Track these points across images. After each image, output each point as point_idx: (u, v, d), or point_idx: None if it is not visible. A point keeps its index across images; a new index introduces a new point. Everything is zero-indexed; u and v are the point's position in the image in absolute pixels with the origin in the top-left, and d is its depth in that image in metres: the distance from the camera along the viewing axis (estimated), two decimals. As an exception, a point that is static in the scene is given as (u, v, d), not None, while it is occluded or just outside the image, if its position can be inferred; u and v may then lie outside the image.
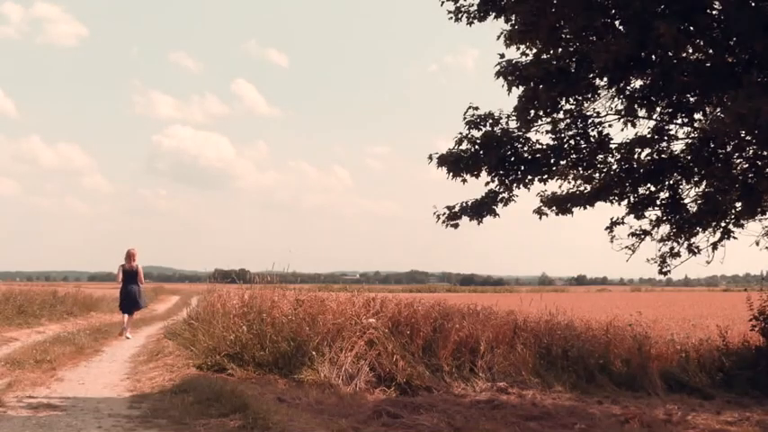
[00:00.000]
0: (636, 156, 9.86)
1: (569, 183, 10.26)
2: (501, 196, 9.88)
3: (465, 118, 9.72)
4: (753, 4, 7.17)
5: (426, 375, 10.32)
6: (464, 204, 10.01)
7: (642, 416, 9.04)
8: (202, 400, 7.34)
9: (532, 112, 9.26)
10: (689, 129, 9.64)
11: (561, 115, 9.54)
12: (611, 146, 9.70)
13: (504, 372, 11.09)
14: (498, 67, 9.18)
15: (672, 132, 9.68)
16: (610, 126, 9.61)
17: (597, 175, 10.09)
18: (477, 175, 9.71)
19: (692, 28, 7.57)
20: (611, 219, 10.58)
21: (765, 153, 8.91)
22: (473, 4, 9.40)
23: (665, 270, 10.82)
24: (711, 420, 9.46)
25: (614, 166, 9.89)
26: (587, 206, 10.06)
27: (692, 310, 25.99)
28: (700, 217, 10.08)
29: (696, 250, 10.45)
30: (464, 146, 9.70)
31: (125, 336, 15.31)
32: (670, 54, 7.89)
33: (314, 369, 9.72)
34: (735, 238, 10.19)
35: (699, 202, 10.13)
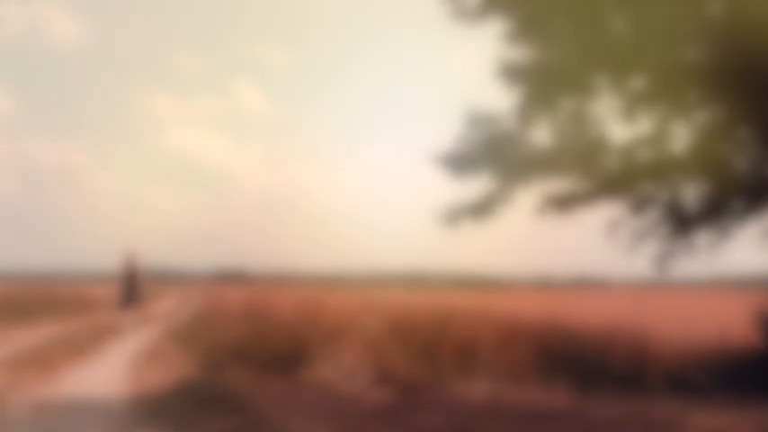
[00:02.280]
0: (636, 155, 9.86)
1: (569, 182, 10.26)
2: (501, 196, 9.89)
3: (465, 118, 9.73)
4: None
5: (426, 375, 10.32)
6: (464, 204, 10.01)
7: (642, 416, 9.05)
8: (202, 399, 7.34)
9: (532, 111, 9.27)
10: (689, 128, 9.64)
11: (561, 115, 9.54)
12: (611, 146, 9.70)
13: (504, 372, 11.09)
14: (498, 67, 9.19)
15: (672, 132, 9.68)
16: (610, 126, 9.62)
17: (597, 174, 10.09)
18: (478, 176, 9.72)
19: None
20: (612, 219, 10.57)
21: (766, 152, 8.91)
22: (473, 3, 9.40)
23: (664, 270, 10.82)
24: (711, 420, 9.46)
25: (614, 166, 9.89)
26: (587, 206, 10.06)
27: (692, 310, 25.95)
28: (700, 217, 10.08)
29: (696, 250, 10.44)
30: (464, 146, 9.71)
31: (126, 332, 15.39)
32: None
33: (314, 369, 9.73)
34: (735, 238, 10.19)
35: (699, 201, 10.13)
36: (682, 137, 9.74)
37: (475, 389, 10.51)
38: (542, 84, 8.93)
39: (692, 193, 10.22)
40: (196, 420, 6.51)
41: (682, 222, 10.22)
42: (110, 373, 9.87)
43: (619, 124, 9.58)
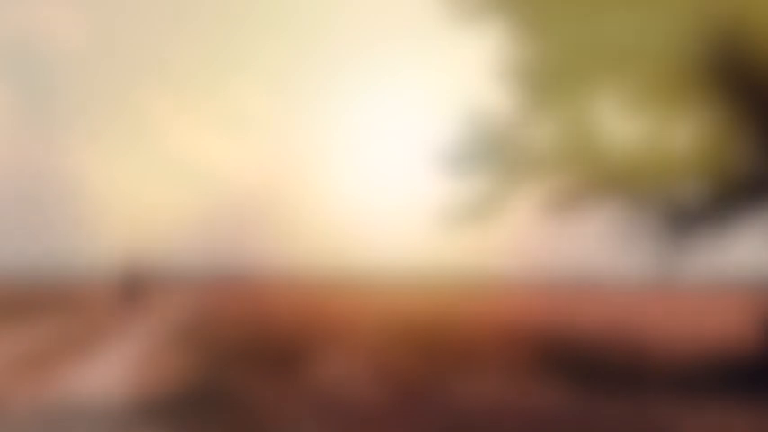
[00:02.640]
0: (636, 155, 9.86)
1: (569, 182, 10.27)
2: (501, 196, 9.90)
3: (464, 117, 9.74)
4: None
5: (428, 374, 10.33)
6: (464, 204, 10.02)
7: (642, 416, 9.05)
8: (202, 399, 7.35)
9: (532, 111, 9.28)
10: (689, 128, 9.65)
11: (562, 114, 9.55)
12: (611, 146, 9.71)
13: (504, 371, 11.10)
14: (499, 66, 9.20)
15: (672, 132, 9.69)
16: (610, 126, 9.62)
17: (597, 174, 10.10)
18: (478, 175, 9.74)
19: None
20: (611, 219, 10.58)
21: (766, 152, 8.92)
22: (473, 3, 9.41)
23: (664, 270, 10.83)
24: (711, 421, 9.46)
25: (614, 166, 9.90)
26: (587, 206, 10.07)
27: (692, 310, 25.99)
28: (700, 217, 10.09)
29: (696, 250, 10.45)
30: (464, 145, 9.72)
31: (126, 331, 15.41)
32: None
33: (314, 369, 9.74)
34: (735, 238, 10.20)
35: (699, 201, 10.14)
36: (682, 137, 9.74)
37: (475, 389, 10.52)
38: (542, 83, 8.93)
39: (691, 193, 10.23)
40: (196, 420, 6.51)
41: (682, 222, 10.23)
42: (110, 373, 9.87)
43: (619, 124, 9.59)
